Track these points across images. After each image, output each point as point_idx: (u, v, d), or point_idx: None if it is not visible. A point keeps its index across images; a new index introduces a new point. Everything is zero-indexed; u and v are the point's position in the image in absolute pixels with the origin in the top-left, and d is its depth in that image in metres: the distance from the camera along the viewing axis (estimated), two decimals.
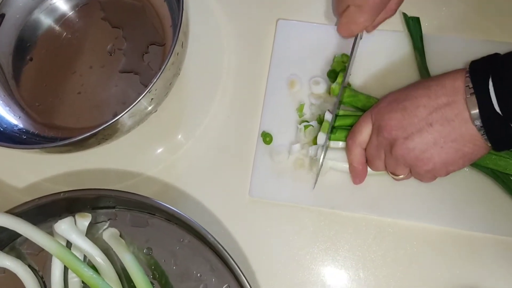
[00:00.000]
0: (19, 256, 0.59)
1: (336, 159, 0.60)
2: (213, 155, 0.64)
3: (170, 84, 0.59)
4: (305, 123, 0.61)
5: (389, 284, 0.58)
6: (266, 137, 0.62)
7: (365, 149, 0.56)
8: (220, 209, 0.62)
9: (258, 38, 0.67)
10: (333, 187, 0.60)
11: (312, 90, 0.63)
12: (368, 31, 0.62)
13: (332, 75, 0.62)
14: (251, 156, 0.63)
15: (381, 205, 0.59)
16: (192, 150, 0.64)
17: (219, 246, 0.54)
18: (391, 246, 0.59)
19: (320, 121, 0.61)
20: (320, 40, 0.65)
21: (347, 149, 0.57)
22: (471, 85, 0.47)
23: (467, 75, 0.48)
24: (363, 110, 0.58)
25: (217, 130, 0.65)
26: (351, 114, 0.60)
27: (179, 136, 0.65)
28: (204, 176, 0.63)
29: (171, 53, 0.52)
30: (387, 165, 0.55)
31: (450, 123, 0.49)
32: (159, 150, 0.65)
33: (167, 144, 0.65)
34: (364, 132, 0.55)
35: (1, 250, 0.58)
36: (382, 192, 0.60)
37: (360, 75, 0.63)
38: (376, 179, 0.59)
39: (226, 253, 0.54)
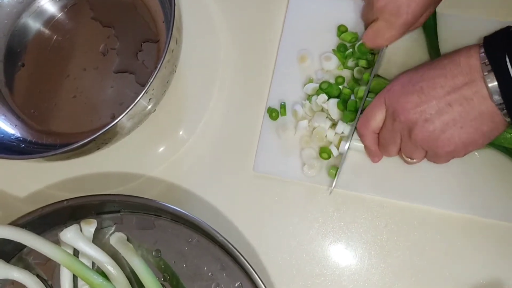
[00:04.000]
0: (27, 266, 0.58)
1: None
2: (217, 146, 0.63)
3: (167, 82, 0.57)
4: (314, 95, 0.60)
5: (403, 273, 0.57)
6: (273, 113, 0.61)
7: (378, 134, 0.55)
8: (225, 202, 0.61)
9: (264, 13, 0.65)
10: (343, 165, 0.59)
11: (323, 65, 0.62)
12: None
13: (342, 49, 0.61)
14: (255, 143, 0.61)
15: (394, 187, 0.58)
16: (195, 145, 0.63)
17: (229, 244, 0.53)
18: (404, 232, 0.58)
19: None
20: (334, 14, 0.63)
21: (360, 135, 0.56)
22: (487, 62, 0.46)
23: (482, 51, 0.47)
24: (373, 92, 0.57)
25: (219, 120, 0.63)
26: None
27: (181, 133, 0.64)
28: (208, 169, 0.62)
29: (166, 51, 0.51)
30: (403, 149, 0.53)
31: (469, 102, 0.47)
32: (161, 149, 0.64)
33: (168, 142, 0.64)
34: (378, 117, 0.53)
35: (8, 261, 0.58)
36: (396, 173, 0.58)
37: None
38: (391, 160, 0.58)
39: (236, 251, 0.53)
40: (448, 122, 0.48)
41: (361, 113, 0.57)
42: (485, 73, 0.46)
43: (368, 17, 0.58)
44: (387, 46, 0.59)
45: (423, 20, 0.56)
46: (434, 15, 0.60)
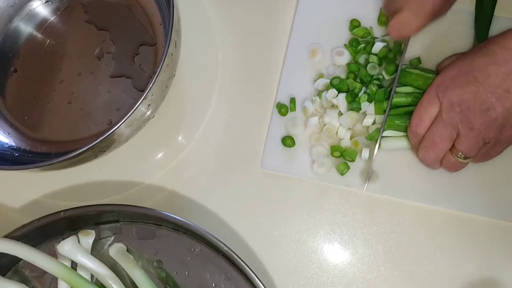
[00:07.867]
0: (23, 279, 0.56)
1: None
2: (219, 147, 0.61)
3: (166, 87, 0.55)
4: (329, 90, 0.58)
5: (416, 280, 0.55)
6: (282, 108, 0.59)
7: (426, 133, 0.53)
8: (228, 207, 0.59)
9: (272, 7, 0.64)
10: (353, 164, 0.58)
11: (334, 61, 0.60)
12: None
13: (355, 44, 0.60)
14: (262, 140, 0.60)
15: (410, 188, 0.56)
16: (195, 149, 0.61)
17: (234, 254, 0.51)
18: (417, 237, 0.56)
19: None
20: (347, 8, 0.62)
21: (414, 136, 0.54)
22: None
23: None
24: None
25: (221, 121, 0.62)
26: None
27: (180, 138, 0.62)
28: (209, 174, 0.60)
29: (165, 55, 0.49)
30: (460, 145, 0.51)
31: None
32: (160, 155, 0.62)
33: (167, 148, 0.62)
34: (432, 114, 0.52)
35: (4, 274, 0.56)
36: (406, 173, 0.57)
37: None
38: (400, 161, 0.57)
39: (241, 262, 0.51)
40: (509, 107, 0.48)
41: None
42: None
43: (392, 8, 0.55)
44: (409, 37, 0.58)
45: (449, 7, 0.54)
46: (489, 18, 0.59)
